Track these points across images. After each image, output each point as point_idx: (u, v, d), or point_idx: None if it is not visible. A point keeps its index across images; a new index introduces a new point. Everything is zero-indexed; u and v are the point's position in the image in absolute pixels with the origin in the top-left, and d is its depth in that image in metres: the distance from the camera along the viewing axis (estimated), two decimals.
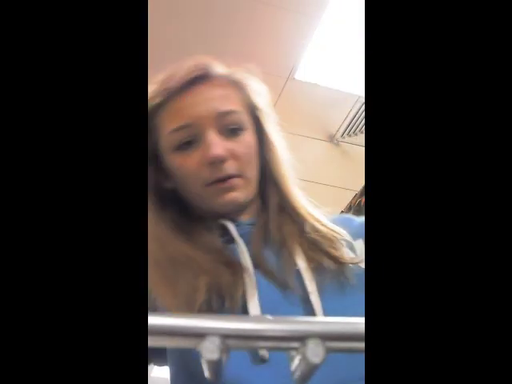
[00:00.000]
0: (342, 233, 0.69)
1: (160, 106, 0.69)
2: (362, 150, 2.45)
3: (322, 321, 0.29)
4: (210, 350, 0.27)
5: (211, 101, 0.68)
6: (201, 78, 0.69)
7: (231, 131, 0.68)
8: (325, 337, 0.27)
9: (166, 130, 0.68)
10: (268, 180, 0.72)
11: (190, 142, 0.67)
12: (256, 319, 0.29)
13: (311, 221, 0.69)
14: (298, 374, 0.28)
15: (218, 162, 0.65)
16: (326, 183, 2.86)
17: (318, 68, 2.48)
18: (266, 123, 0.73)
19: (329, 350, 0.27)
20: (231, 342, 0.27)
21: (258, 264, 0.65)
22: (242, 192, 0.68)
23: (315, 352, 0.27)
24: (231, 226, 0.68)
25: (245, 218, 0.71)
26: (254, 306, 0.60)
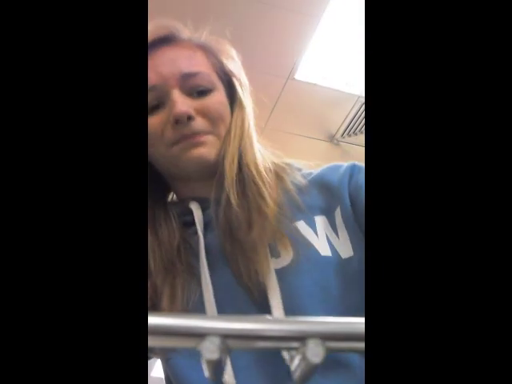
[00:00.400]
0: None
1: None
2: (362, 149, 2.45)
3: (321, 321, 0.29)
4: (210, 350, 0.27)
5: (175, 61, 0.65)
6: (165, 40, 0.66)
7: (198, 93, 0.65)
8: (325, 337, 0.27)
9: None
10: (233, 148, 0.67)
11: (158, 105, 0.64)
12: (256, 319, 0.29)
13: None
14: (298, 374, 0.28)
15: (183, 119, 0.62)
16: None
17: (318, 68, 2.48)
18: (238, 87, 0.70)
19: (329, 350, 0.27)
20: (231, 342, 0.27)
21: (220, 255, 0.62)
22: (212, 149, 0.64)
23: (315, 352, 0.27)
24: (197, 213, 0.65)
25: (208, 194, 0.66)
26: (209, 306, 0.59)
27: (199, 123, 0.64)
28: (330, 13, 2.16)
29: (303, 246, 0.60)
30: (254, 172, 0.64)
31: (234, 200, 0.62)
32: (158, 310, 0.59)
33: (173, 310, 0.59)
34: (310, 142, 2.85)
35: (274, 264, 0.59)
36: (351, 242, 0.62)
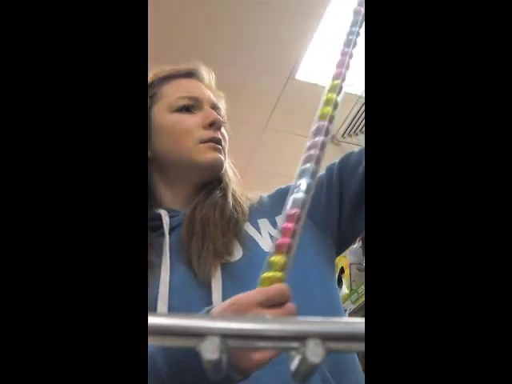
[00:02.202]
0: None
1: (165, 79, 0.83)
2: None
3: (321, 321, 0.29)
4: (210, 350, 0.27)
5: (207, 92, 0.84)
6: (192, 75, 0.85)
7: (220, 120, 0.81)
8: (325, 337, 0.27)
9: (171, 95, 0.81)
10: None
11: (190, 109, 0.80)
12: (256, 319, 0.29)
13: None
14: (297, 374, 0.28)
15: (218, 123, 0.79)
16: None
17: (318, 68, 2.48)
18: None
19: (329, 350, 0.27)
20: (231, 342, 0.27)
21: (182, 258, 0.70)
22: (223, 157, 0.80)
23: (315, 352, 0.27)
24: (165, 218, 0.75)
25: (183, 207, 0.79)
26: (162, 308, 0.65)
27: (220, 136, 0.80)
28: (330, 13, 2.16)
29: (250, 244, 0.72)
30: (237, 195, 0.80)
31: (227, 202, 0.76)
32: None
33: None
34: None
35: (228, 259, 0.70)
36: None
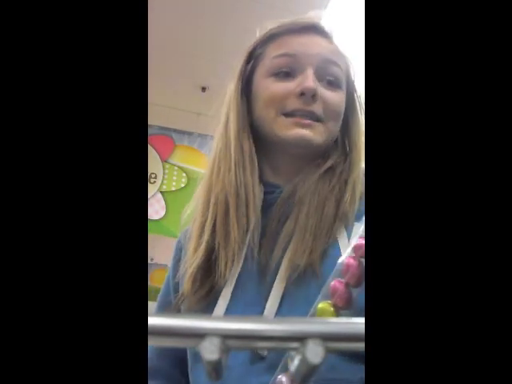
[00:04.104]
0: None
1: (271, 37, 0.71)
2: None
3: (321, 321, 0.29)
4: (209, 351, 0.26)
5: (320, 47, 0.69)
6: (314, 29, 0.71)
7: (328, 82, 0.68)
8: (325, 337, 0.27)
9: (270, 55, 0.70)
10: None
11: (289, 73, 0.67)
12: (256, 319, 0.29)
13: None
14: (297, 374, 0.28)
15: (309, 93, 0.65)
16: None
17: None
18: (358, 107, 0.73)
19: (329, 350, 0.27)
20: (231, 342, 0.27)
21: (260, 243, 0.63)
22: (315, 134, 0.66)
23: (315, 352, 0.27)
24: (257, 196, 0.67)
25: (282, 182, 0.69)
26: (225, 294, 0.61)
27: (318, 107, 0.66)
28: (329, 13, 2.16)
29: (332, 250, 0.61)
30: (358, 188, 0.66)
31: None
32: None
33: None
34: None
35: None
36: None
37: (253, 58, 0.73)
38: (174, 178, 3.38)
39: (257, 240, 0.64)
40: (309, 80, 0.65)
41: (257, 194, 0.66)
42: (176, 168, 3.37)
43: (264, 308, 0.59)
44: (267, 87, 0.68)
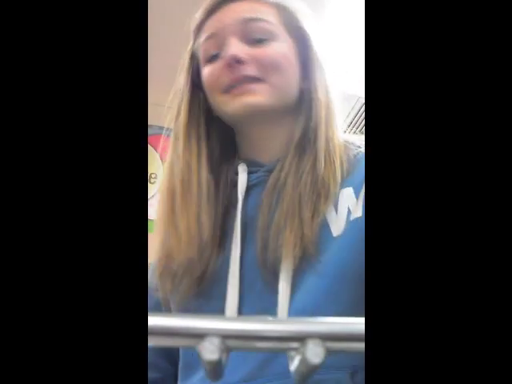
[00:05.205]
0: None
1: (198, 26, 0.69)
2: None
3: (321, 321, 0.29)
4: (209, 351, 0.26)
5: (236, 12, 0.66)
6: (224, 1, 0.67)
7: (257, 40, 0.65)
8: (325, 337, 0.27)
9: (200, 45, 0.68)
10: (304, 108, 0.65)
11: (217, 54, 0.65)
12: (256, 319, 0.29)
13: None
14: (297, 374, 0.28)
15: (233, 62, 0.62)
16: None
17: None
18: (314, 55, 0.68)
19: (329, 350, 0.27)
20: (231, 342, 0.27)
21: (251, 225, 0.61)
22: (260, 95, 0.62)
23: (315, 352, 0.27)
24: (241, 176, 0.65)
25: (266, 158, 0.67)
26: (232, 288, 0.59)
27: (251, 68, 0.63)
28: (329, 13, 2.16)
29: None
30: (331, 146, 0.62)
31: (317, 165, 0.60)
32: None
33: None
34: None
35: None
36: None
37: (194, 52, 0.71)
38: None
39: (239, 229, 0.62)
40: (229, 49, 0.63)
41: (204, 176, 0.64)
42: None
43: (274, 303, 0.56)
44: (204, 75, 0.67)
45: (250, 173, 0.66)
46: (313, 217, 0.58)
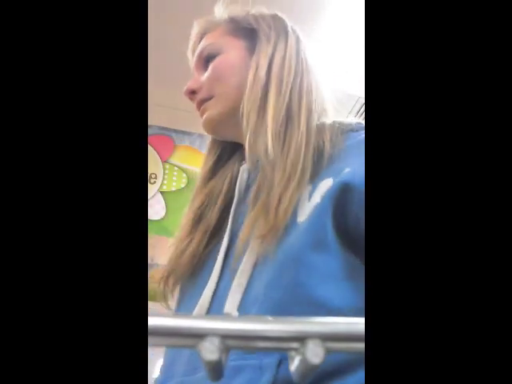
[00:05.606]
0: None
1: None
2: None
3: (321, 321, 0.29)
4: (209, 351, 0.26)
5: (200, 47, 0.76)
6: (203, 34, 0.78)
7: (207, 61, 0.74)
8: (325, 337, 0.27)
9: None
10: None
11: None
12: (256, 319, 0.29)
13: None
14: (297, 374, 0.28)
15: (190, 94, 0.74)
16: None
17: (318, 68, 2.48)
18: (260, 31, 0.73)
19: (329, 351, 0.27)
20: (231, 342, 0.27)
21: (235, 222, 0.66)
22: (212, 110, 0.72)
23: (315, 352, 0.27)
24: (240, 177, 0.70)
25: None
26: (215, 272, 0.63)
27: (203, 92, 0.73)
28: (329, 13, 2.16)
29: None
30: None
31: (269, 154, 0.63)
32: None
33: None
34: None
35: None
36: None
37: None
38: (174, 178, 3.37)
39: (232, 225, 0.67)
40: (187, 86, 0.74)
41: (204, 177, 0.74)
42: (176, 168, 3.37)
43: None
44: None
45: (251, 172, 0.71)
46: (279, 203, 0.58)
